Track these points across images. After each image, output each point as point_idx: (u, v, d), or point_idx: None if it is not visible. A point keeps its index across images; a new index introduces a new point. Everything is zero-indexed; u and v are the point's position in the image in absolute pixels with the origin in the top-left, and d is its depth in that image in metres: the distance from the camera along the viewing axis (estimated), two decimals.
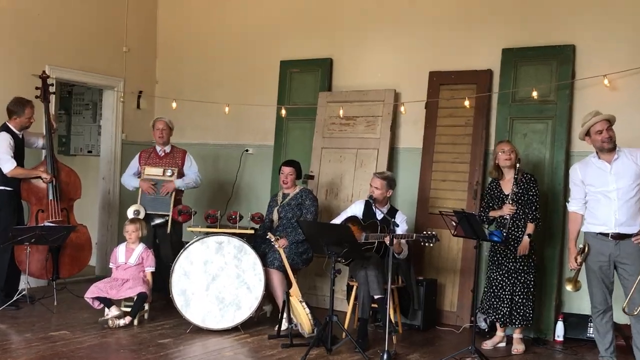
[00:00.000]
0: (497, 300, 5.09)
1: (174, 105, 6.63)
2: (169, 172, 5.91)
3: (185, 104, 6.93)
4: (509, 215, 4.98)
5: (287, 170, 5.60)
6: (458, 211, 4.74)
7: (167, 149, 6.12)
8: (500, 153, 5.07)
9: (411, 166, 6.18)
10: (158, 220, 5.86)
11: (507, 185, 5.09)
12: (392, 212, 5.23)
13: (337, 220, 5.30)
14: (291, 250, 5.41)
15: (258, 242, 5.54)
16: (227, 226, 5.42)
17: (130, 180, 6.08)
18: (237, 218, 5.35)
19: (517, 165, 4.99)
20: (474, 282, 4.84)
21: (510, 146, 5.09)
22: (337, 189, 6.33)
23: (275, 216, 5.63)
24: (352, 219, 5.25)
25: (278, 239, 5.12)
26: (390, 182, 5.18)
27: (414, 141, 6.17)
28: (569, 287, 4.45)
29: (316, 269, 6.13)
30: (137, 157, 6.13)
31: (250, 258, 5.20)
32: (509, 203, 4.99)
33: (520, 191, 5.04)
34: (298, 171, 5.68)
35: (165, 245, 5.89)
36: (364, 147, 6.25)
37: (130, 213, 5.77)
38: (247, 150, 7.03)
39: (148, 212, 5.84)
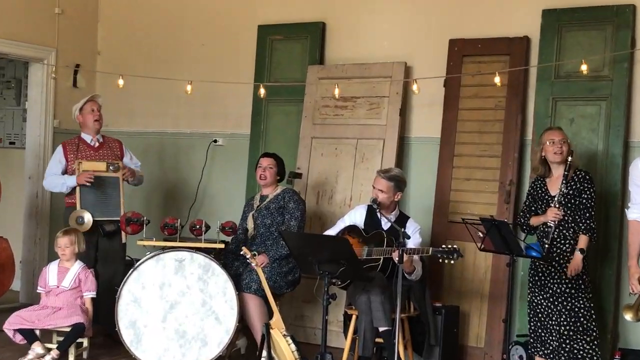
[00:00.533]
0: (545, 331, 5.07)
1: (120, 82, 6.39)
2: (112, 168, 5.92)
3: (135, 82, 6.74)
4: (554, 222, 5.00)
5: (265, 162, 5.65)
6: (486, 219, 4.75)
7: (100, 138, 6.12)
8: (548, 144, 5.09)
9: (426, 161, 6.18)
10: (109, 228, 5.86)
11: (555, 185, 5.10)
12: (402, 220, 5.27)
13: (332, 231, 5.34)
14: (272, 269, 5.41)
15: (230, 260, 5.55)
16: (189, 239, 5.46)
17: (61, 180, 5.92)
18: (203, 228, 5.34)
19: (569, 160, 5.01)
20: (506, 310, 4.86)
21: (563, 136, 5.11)
22: (332, 191, 6.35)
23: (250, 224, 5.64)
24: (351, 229, 5.30)
25: (255, 256, 5.06)
26: (399, 183, 5.25)
27: (430, 129, 6.17)
28: (628, 316, 4.44)
29: (304, 293, 6.10)
30: (59, 150, 6.03)
31: (219, 280, 5.20)
32: (555, 206, 5.00)
33: (571, 192, 5.05)
34: (280, 167, 5.75)
35: (114, 262, 5.90)
36: (365, 136, 6.25)
37: (72, 221, 5.73)
38: (215, 141, 7.02)
39: (96, 218, 5.80)
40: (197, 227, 5.35)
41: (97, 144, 6.04)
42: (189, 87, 6.29)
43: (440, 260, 4.82)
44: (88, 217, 5.74)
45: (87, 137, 6.04)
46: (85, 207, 5.77)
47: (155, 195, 7.13)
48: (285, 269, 5.47)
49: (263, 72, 6.69)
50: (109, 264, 5.89)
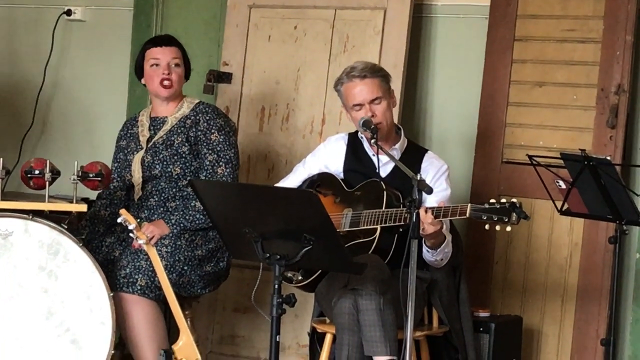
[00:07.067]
0: None
1: None
2: None
3: None
4: None
5: (167, 54, 4.86)
6: (573, 155, 4.26)
7: None
8: None
9: (463, 51, 5.43)
10: None
11: None
12: (414, 155, 4.64)
13: (289, 183, 4.78)
14: (177, 251, 4.66)
15: (98, 234, 4.92)
16: (21, 195, 4.92)
17: None
18: (47, 175, 4.69)
19: None
20: (608, 324, 4.36)
21: None
22: (288, 107, 5.58)
23: (135, 171, 4.90)
24: (322, 180, 4.70)
25: (143, 226, 4.50)
26: (389, 78, 4.63)
27: None
28: None
29: (236, 296, 5.46)
30: None
31: (78, 271, 4.52)
32: None
33: None
34: (187, 63, 5.03)
35: None
36: (351, 4, 5.52)
37: None
38: (67, 14, 6.16)
39: None
40: (36, 172, 4.67)
41: None
42: None
43: (487, 228, 4.05)
44: None
45: None
46: None
47: None
48: (202, 252, 4.65)
49: None
50: None
